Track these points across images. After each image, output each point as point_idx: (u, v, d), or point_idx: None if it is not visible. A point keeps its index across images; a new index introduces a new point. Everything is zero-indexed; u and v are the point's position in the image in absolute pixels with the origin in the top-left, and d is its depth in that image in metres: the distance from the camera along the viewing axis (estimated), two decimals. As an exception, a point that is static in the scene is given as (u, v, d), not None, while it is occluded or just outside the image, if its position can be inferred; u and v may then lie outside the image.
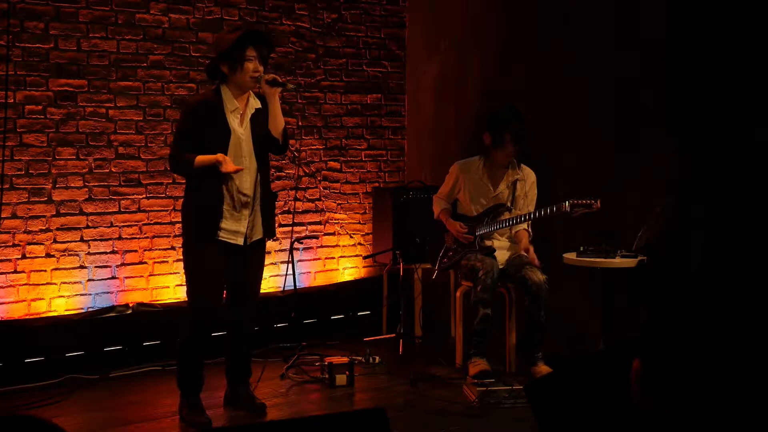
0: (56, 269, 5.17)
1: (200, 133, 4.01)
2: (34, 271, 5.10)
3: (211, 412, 4.24)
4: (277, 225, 6.00)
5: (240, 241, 4.12)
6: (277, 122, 4.14)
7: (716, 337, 1.48)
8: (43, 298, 5.12)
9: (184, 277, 4.20)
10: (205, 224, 4.03)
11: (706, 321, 1.49)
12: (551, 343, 4.90)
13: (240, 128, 4.08)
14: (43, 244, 5.13)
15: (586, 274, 4.79)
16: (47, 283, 5.13)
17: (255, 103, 4.17)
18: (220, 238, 4.05)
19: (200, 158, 3.97)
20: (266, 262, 5.77)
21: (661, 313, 1.52)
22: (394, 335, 5.66)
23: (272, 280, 5.94)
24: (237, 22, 5.78)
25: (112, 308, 5.23)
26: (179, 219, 5.33)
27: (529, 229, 5.07)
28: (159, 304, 5.42)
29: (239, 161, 4.05)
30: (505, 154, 4.94)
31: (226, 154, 4.00)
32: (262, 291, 5.68)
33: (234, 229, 4.09)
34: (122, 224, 5.38)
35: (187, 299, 4.22)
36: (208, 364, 4.36)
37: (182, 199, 4.28)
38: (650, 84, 4.72)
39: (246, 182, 4.09)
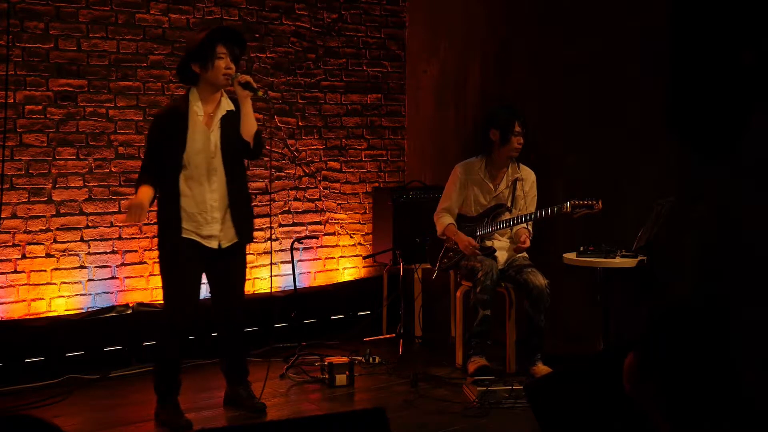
0: (56, 269, 5.17)
1: (166, 141, 3.99)
2: (34, 271, 5.10)
3: (212, 412, 4.25)
4: (275, 225, 6.01)
5: (214, 244, 4.08)
6: (249, 125, 4.06)
7: (715, 336, 1.48)
8: (43, 298, 5.12)
9: (161, 278, 4.14)
10: (171, 226, 4.01)
11: (705, 320, 1.49)
12: (551, 343, 4.90)
13: (208, 131, 4.03)
14: (43, 244, 5.13)
15: (586, 274, 4.79)
16: (47, 283, 5.13)
17: (227, 105, 4.11)
18: (185, 236, 4.01)
19: (141, 191, 3.98)
20: (266, 262, 5.82)
21: (660, 312, 1.52)
22: (394, 335, 5.66)
23: (272, 280, 5.94)
24: (237, 21, 5.78)
25: (112, 308, 5.23)
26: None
27: (530, 228, 5.06)
28: (159, 304, 5.40)
29: (209, 163, 4.02)
30: (512, 147, 4.95)
31: (187, 159, 4.00)
32: (262, 291, 5.71)
33: (207, 233, 4.06)
34: (122, 224, 5.38)
35: (163, 301, 4.17)
36: (208, 365, 4.36)
37: (158, 199, 4.18)
38: (650, 84, 4.72)
39: (214, 185, 4.05)
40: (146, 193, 3.97)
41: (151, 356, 4.31)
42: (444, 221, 5.13)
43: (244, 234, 4.19)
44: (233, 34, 4.10)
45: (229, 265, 4.19)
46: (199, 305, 4.15)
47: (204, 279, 4.21)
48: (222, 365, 4.37)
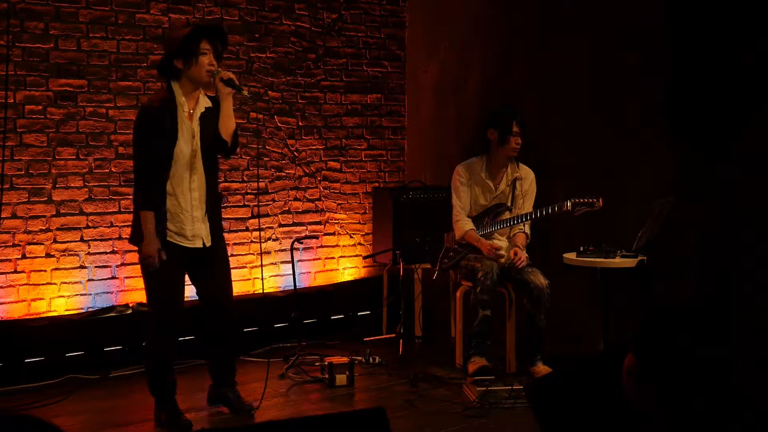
0: (56, 269, 5.17)
1: (159, 135, 3.94)
2: (34, 271, 5.10)
3: (210, 413, 4.25)
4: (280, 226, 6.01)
5: (199, 243, 4.06)
6: (229, 124, 4.04)
7: (716, 336, 1.48)
8: (43, 298, 5.12)
9: (144, 284, 4.12)
10: (156, 228, 3.97)
11: (706, 320, 1.49)
12: (551, 343, 4.90)
13: (192, 127, 4.02)
14: (43, 244, 5.13)
15: (586, 274, 4.79)
16: (47, 283, 5.13)
17: (205, 102, 4.08)
18: (171, 240, 3.99)
19: (147, 226, 3.94)
20: (266, 262, 5.82)
21: (660, 312, 1.52)
22: (394, 335, 5.66)
23: (272, 280, 5.94)
24: (237, 21, 5.78)
25: (112, 308, 5.23)
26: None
27: (527, 231, 5.04)
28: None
29: (192, 161, 4.01)
30: (510, 147, 4.94)
31: (174, 156, 3.97)
32: (263, 291, 5.71)
33: (191, 233, 4.04)
34: (122, 224, 5.38)
35: (148, 305, 4.15)
36: (203, 365, 4.36)
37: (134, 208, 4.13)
38: (650, 84, 4.72)
39: (195, 183, 4.03)
40: (154, 227, 3.95)
41: (142, 359, 4.31)
42: (464, 226, 5.06)
43: (217, 232, 4.16)
44: (216, 31, 4.09)
45: (213, 265, 4.16)
46: (184, 306, 4.13)
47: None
48: (210, 364, 4.33)
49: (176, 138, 3.96)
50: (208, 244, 4.09)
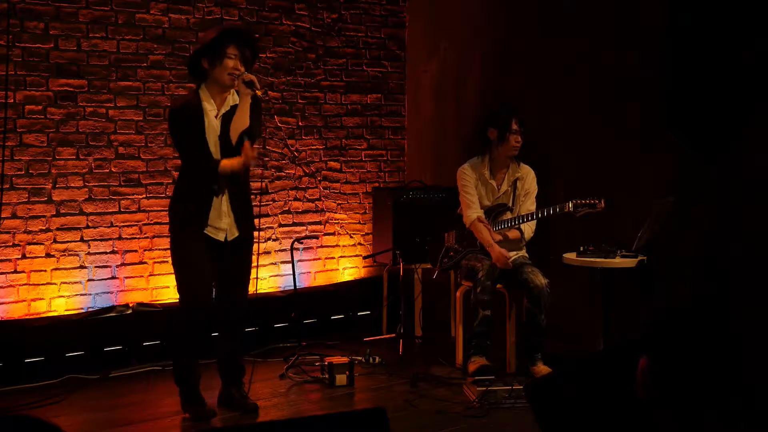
0: (56, 269, 5.17)
1: (189, 132, 4.05)
2: (34, 271, 5.10)
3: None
4: (276, 225, 6.01)
5: (221, 237, 4.13)
6: (239, 123, 4.09)
7: (718, 337, 1.48)
8: (43, 298, 5.12)
9: (174, 272, 4.19)
10: (194, 215, 4.06)
11: (708, 321, 1.50)
12: (551, 343, 4.90)
13: (216, 126, 4.09)
14: (43, 244, 5.13)
15: (586, 274, 4.79)
16: (47, 283, 5.13)
17: (232, 101, 4.15)
18: (207, 233, 4.08)
19: (226, 163, 4.03)
20: (266, 262, 5.82)
21: (664, 313, 1.52)
22: (394, 335, 5.66)
23: (272, 280, 5.94)
24: (237, 21, 5.78)
25: (112, 308, 5.23)
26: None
27: (524, 229, 4.99)
28: (159, 304, 5.42)
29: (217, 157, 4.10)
30: (510, 146, 4.92)
31: (211, 154, 4.07)
32: (262, 291, 5.71)
33: (216, 225, 4.12)
34: (122, 224, 5.38)
35: (179, 295, 4.20)
36: (209, 364, 4.36)
37: (172, 195, 4.29)
38: (650, 84, 4.72)
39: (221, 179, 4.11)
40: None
41: (170, 352, 4.38)
42: (472, 214, 4.98)
43: (244, 228, 4.21)
44: (248, 38, 4.16)
45: (235, 261, 4.21)
46: (212, 297, 4.21)
47: None
48: (218, 362, 4.37)
49: (204, 136, 4.04)
50: (230, 237, 4.15)
